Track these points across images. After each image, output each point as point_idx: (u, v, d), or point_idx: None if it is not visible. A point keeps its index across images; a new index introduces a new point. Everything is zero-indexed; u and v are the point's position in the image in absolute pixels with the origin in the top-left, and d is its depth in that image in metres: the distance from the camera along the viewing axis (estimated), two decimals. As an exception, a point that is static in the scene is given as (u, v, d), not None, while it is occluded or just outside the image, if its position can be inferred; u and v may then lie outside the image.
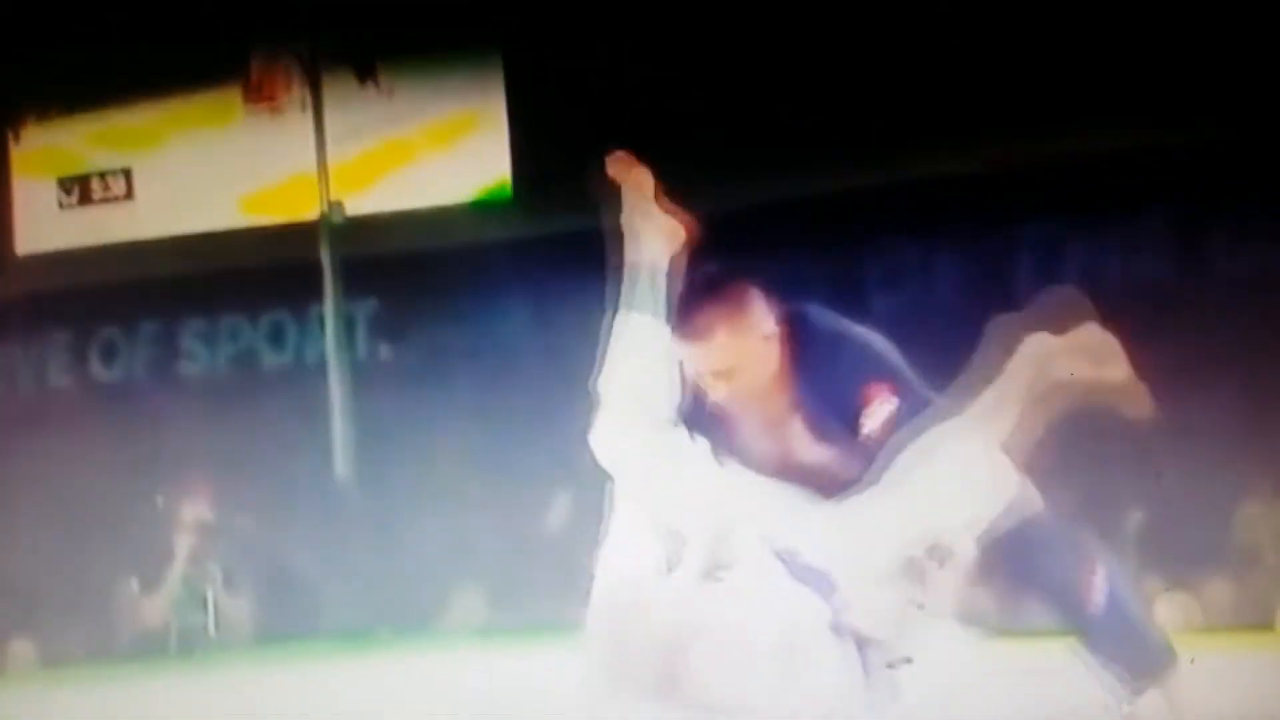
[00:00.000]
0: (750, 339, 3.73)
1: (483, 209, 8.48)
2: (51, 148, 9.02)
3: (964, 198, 7.66)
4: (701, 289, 3.77)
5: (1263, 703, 4.54)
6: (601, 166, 3.97)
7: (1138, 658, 3.88)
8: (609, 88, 7.90)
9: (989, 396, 3.76)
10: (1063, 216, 7.66)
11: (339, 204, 8.61)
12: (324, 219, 8.59)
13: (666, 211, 3.94)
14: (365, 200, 8.64)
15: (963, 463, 3.70)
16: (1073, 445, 7.06)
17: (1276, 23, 7.11)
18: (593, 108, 7.75)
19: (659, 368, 3.79)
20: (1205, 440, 7.04)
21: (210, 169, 8.80)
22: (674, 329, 3.76)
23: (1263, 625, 6.66)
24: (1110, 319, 3.85)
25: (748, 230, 6.11)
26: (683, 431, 3.79)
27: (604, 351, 3.82)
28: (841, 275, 7.72)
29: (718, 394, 3.73)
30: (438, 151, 8.63)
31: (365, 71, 8.61)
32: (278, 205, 8.76)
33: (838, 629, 3.67)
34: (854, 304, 4.87)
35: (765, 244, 6.24)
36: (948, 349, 3.74)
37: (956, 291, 7.77)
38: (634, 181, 3.95)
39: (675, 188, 3.95)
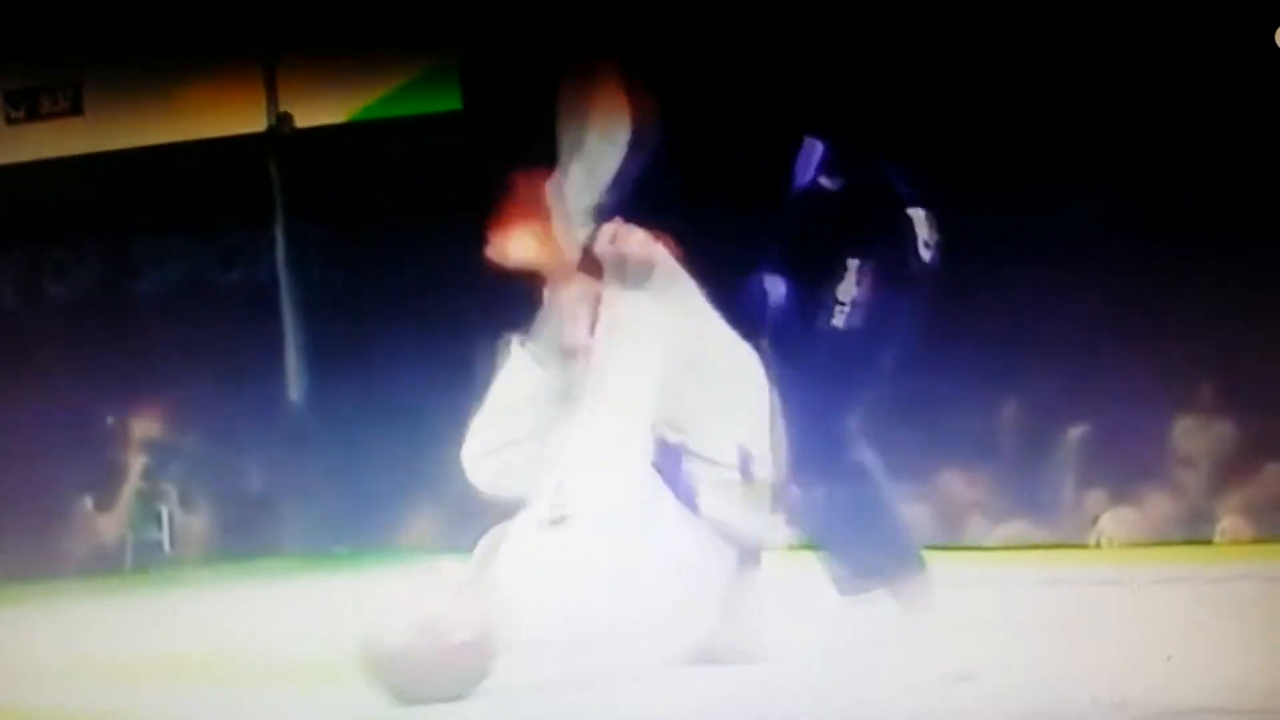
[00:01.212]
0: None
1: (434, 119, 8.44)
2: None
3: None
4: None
5: (1201, 615, 4.63)
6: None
7: (874, 559, 3.90)
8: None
9: None
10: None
11: (288, 115, 8.56)
12: (272, 131, 8.54)
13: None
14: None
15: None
16: (1012, 361, 7.20)
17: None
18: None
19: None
20: (1146, 353, 7.14)
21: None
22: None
23: (1202, 539, 6.76)
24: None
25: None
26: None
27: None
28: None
29: None
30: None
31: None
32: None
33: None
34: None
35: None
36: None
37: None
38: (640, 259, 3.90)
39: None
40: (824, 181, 3.83)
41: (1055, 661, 4.02)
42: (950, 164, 7.76)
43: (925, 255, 3.72)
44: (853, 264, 3.71)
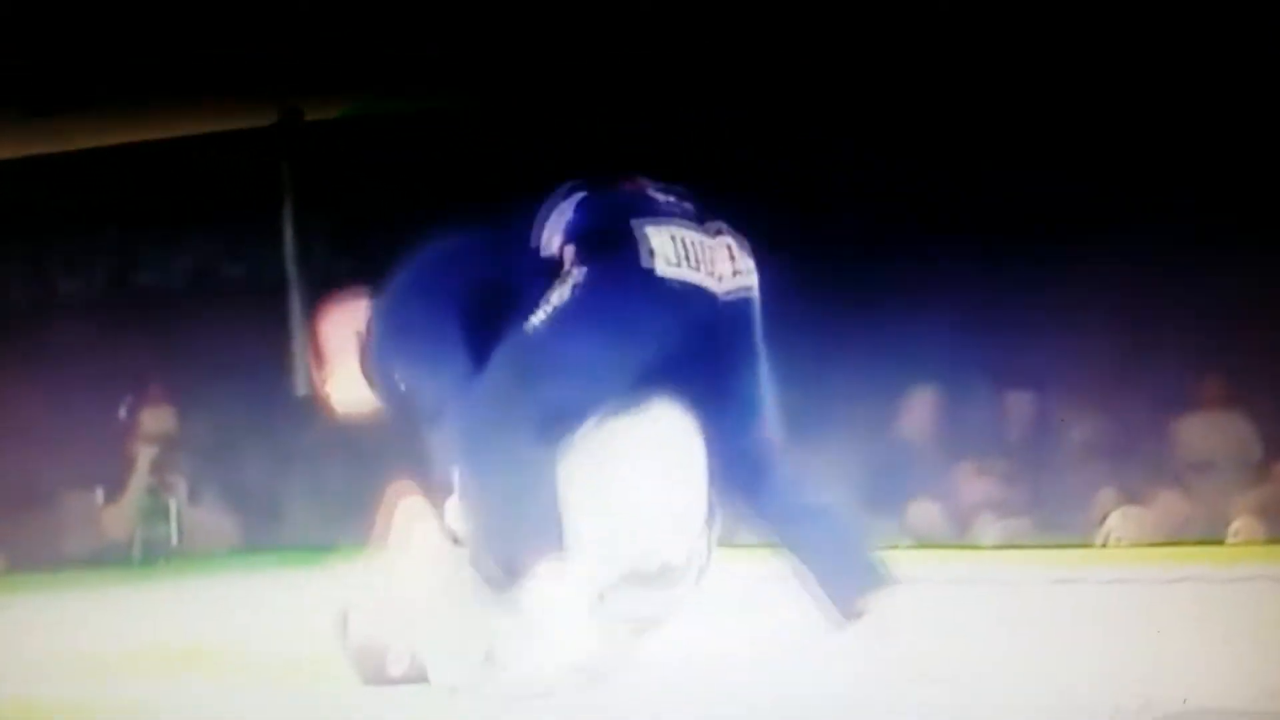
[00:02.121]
0: None
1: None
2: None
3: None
4: None
5: (1213, 616, 4.62)
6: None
7: (850, 580, 3.92)
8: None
9: None
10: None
11: (297, 108, 8.56)
12: (281, 124, 8.54)
13: None
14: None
15: None
16: (1022, 358, 7.18)
17: None
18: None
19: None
20: (1152, 351, 7.13)
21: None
22: None
23: (1214, 538, 6.74)
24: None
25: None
26: None
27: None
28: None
29: None
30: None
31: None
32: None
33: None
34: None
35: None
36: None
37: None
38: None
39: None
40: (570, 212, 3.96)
41: (1070, 663, 4.01)
42: (969, 159, 7.79)
43: (649, 264, 3.79)
44: (577, 271, 3.83)
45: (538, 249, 3.96)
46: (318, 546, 6.83)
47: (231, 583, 6.84)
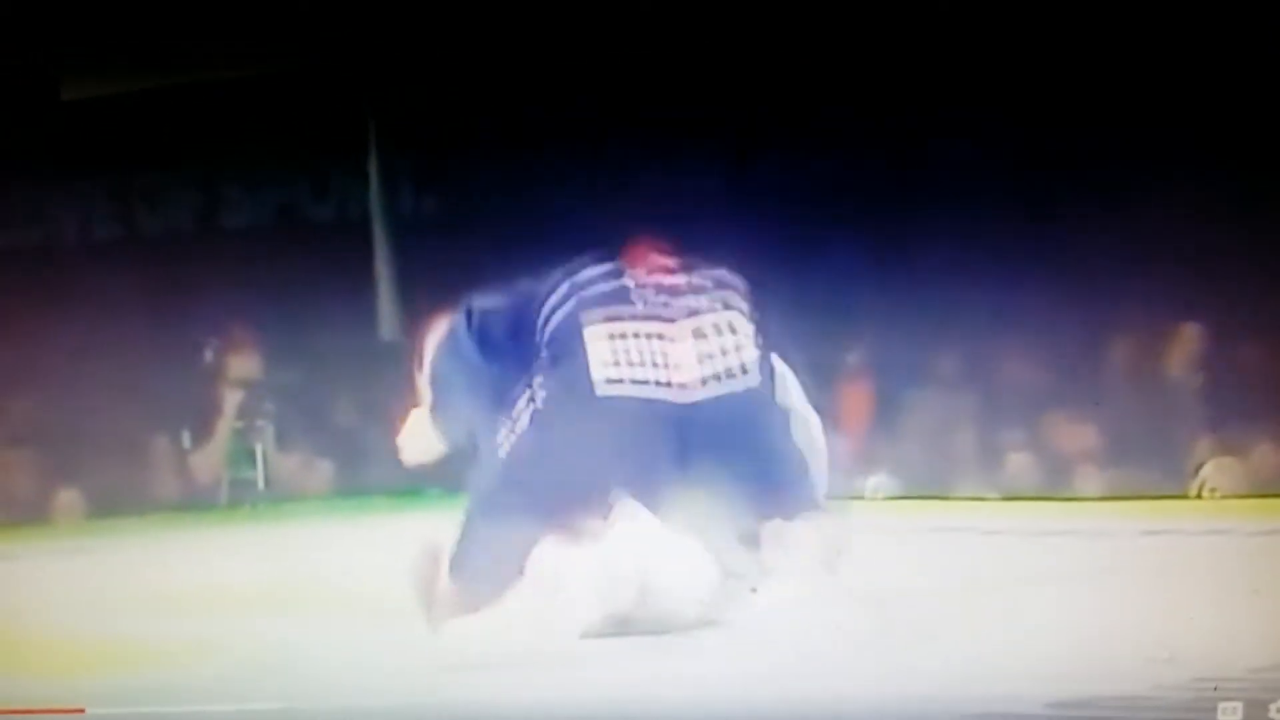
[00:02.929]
0: None
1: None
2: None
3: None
4: None
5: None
6: None
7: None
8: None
9: None
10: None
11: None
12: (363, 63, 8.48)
13: None
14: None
15: None
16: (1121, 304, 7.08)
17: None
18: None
19: None
20: (1248, 301, 7.02)
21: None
22: None
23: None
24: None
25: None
26: None
27: None
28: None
29: None
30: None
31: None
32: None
33: None
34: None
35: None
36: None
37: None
38: None
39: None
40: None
41: (1160, 615, 3.95)
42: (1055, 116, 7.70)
43: (591, 379, 3.75)
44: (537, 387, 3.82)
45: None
46: (405, 491, 6.83)
47: (317, 527, 6.87)
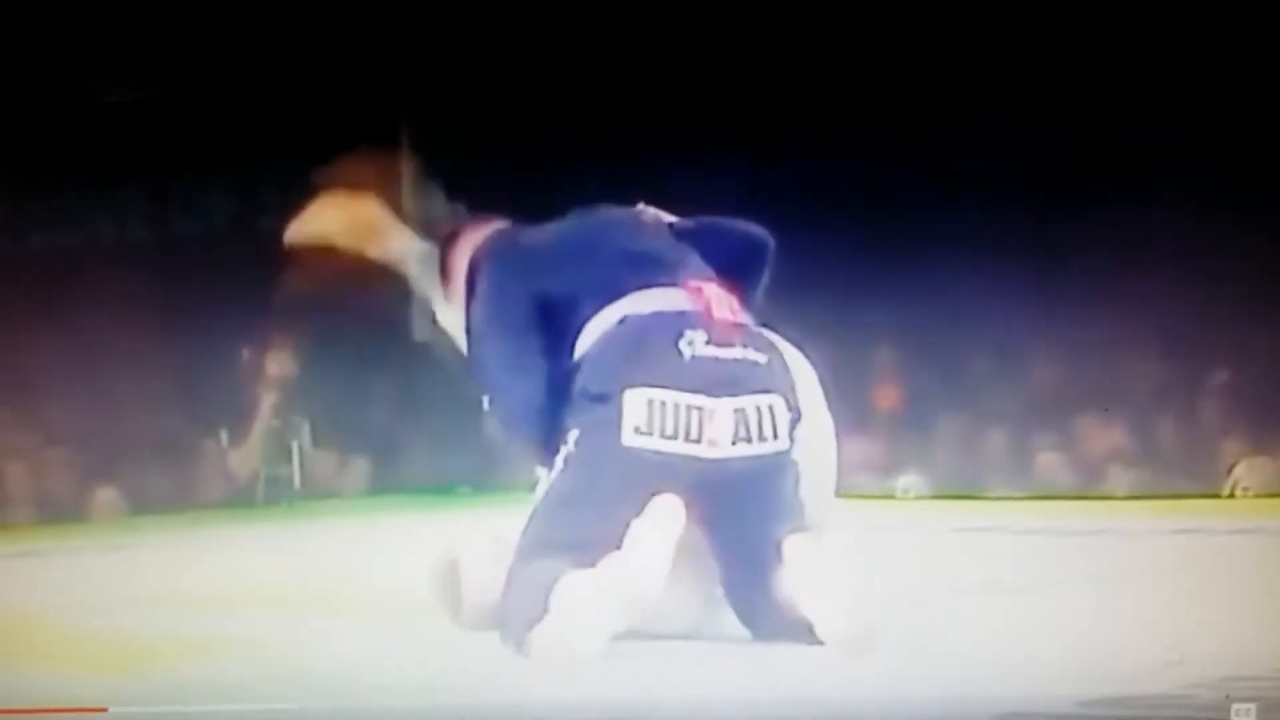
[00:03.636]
0: None
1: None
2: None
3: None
4: None
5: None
6: None
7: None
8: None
9: None
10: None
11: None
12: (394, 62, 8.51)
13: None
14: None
15: None
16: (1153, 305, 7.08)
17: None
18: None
19: None
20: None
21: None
22: None
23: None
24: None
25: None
26: None
27: None
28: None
29: None
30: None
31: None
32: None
33: None
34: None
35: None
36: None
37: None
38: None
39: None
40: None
41: (1192, 613, 3.95)
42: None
43: (627, 435, 3.74)
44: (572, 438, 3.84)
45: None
46: (439, 490, 6.88)
47: (353, 525, 6.90)
